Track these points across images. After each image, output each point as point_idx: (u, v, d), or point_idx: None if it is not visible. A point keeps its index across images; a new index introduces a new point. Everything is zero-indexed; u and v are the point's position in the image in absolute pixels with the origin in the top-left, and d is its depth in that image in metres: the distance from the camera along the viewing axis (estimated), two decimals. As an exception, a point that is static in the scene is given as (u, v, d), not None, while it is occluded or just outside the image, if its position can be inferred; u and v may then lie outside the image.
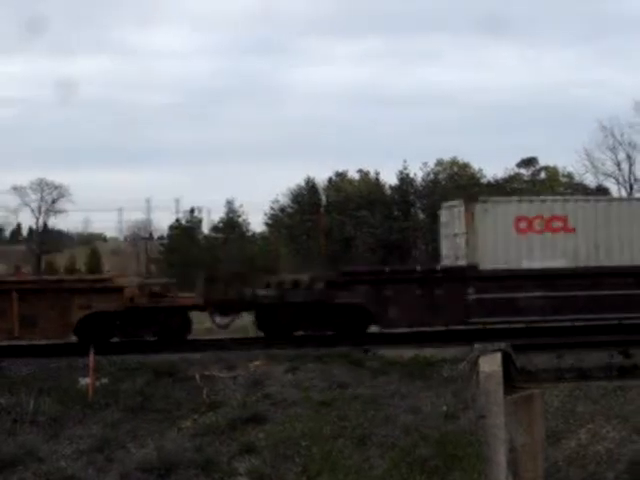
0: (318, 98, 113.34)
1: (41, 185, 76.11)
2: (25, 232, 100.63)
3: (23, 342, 28.61)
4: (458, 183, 71.17)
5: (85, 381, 25.10)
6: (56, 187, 76.18)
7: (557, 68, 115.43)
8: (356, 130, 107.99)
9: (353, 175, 75.52)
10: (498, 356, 25.56)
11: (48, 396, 24.81)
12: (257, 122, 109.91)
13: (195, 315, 30.23)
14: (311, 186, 73.57)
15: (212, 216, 70.22)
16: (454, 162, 75.30)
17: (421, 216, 71.70)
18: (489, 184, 71.91)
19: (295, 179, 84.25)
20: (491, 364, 25.30)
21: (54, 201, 73.64)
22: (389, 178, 73.32)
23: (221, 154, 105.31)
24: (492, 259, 30.60)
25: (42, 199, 74.95)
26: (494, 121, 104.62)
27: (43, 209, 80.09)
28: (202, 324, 32.14)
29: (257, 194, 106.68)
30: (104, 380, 25.33)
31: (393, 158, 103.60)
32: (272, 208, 74.75)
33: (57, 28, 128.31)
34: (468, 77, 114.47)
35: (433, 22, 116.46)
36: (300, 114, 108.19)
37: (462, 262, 30.93)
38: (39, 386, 25.03)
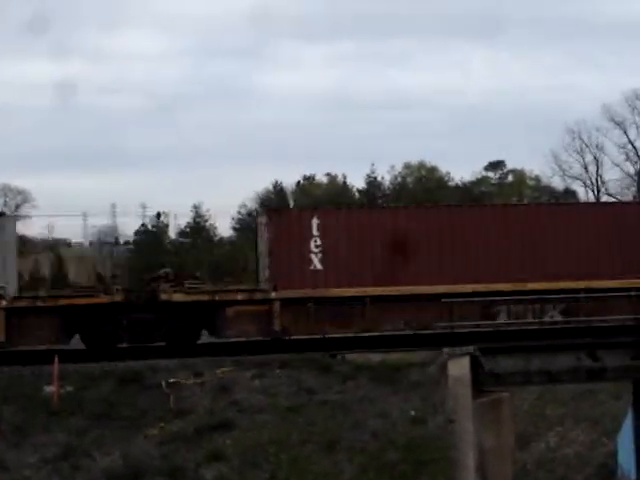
0: (287, 102, 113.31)
1: (4, 190, 75.40)
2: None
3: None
4: (426, 186, 71.33)
5: (50, 389, 24.79)
6: (20, 192, 75.46)
7: (526, 72, 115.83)
8: (325, 134, 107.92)
9: (321, 179, 75.62)
10: (467, 360, 25.55)
11: (12, 404, 24.49)
12: (224, 126, 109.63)
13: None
14: (279, 190, 73.45)
15: (179, 221, 69.90)
16: (422, 165, 75.45)
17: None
18: (457, 187, 72.13)
19: (263, 183, 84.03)
20: (460, 368, 25.29)
21: (18, 206, 72.90)
22: (357, 182, 73.43)
23: (187, 158, 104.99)
24: None
25: (5, 204, 74.14)
26: (462, 124, 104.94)
27: (7, 214, 79.15)
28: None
29: (225, 198, 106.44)
30: (69, 388, 25.02)
31: (362, 162, 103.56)
32: (239, 212, 74.64)
33: (23, 31, 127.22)
34: (437, 80, 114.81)
35: (402, 25, 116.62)
36: (269, 118, 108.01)
37: None
38: (3, 394, 24.69)
